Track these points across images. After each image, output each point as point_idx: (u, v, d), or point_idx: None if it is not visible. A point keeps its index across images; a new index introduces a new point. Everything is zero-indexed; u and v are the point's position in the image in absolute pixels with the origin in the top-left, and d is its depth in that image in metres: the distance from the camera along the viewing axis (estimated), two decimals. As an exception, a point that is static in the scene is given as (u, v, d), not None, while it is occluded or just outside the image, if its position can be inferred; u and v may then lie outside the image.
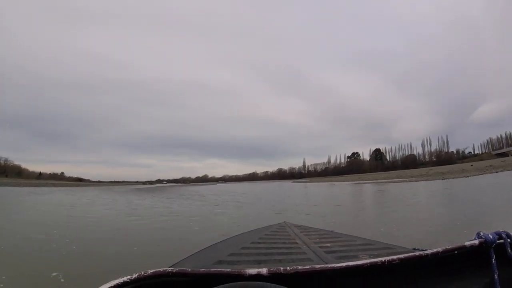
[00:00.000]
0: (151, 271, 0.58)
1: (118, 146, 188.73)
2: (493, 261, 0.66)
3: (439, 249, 0.67)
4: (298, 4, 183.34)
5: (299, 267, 0.62)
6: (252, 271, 0.60)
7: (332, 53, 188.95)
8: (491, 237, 0.68)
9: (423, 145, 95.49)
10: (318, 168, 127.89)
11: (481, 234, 0.70)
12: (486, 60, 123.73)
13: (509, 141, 76.81)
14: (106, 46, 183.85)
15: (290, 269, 0.61)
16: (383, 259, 0.64)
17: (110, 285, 0.55)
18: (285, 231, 1.69)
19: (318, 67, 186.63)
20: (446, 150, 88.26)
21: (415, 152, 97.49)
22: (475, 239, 0.70)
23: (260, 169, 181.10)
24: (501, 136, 79.06)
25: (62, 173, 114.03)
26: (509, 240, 0.69)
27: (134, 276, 0.57)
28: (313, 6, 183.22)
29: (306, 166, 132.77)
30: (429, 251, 0.66)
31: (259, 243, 1.28)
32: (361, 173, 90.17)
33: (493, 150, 77.77)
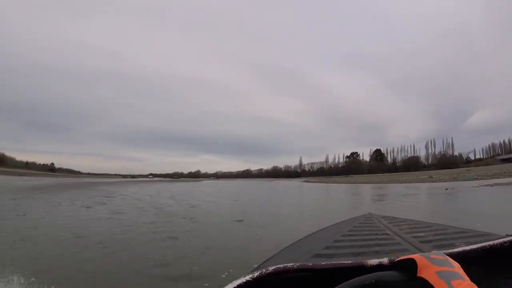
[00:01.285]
0: (272, 268, 0.58)
1: (113, 139, 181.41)
2: None
3: None
4: (298, 4, 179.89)
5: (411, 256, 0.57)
6: (373, 261, 0.59)
7: (330, 54, 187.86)
8: None
9: (427, 147, 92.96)
10: (315, 167, 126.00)
11: None
12: (481, 69, 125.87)
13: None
14: (103, 37, 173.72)
15: (404, 258, 0.57)
16: (489, 243, 0.65)
17: (233, 286, 0.55)
18: (373, 223, 1.52)
19: (316, 67, 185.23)
20: (451, 153, 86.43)
21: (416, 154, 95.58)
22: None
23: (254, 167, 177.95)
24: (503, 142, 79.34)
25: (52, 163, 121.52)
26: None
27: (256, 274, 0.57)
28: (312, 7, 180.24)
29: (303, 165, 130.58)
30: None
31: (350, 235, 1.21)
32: (361, 174, 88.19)
33: (496, 155, 77.78)
